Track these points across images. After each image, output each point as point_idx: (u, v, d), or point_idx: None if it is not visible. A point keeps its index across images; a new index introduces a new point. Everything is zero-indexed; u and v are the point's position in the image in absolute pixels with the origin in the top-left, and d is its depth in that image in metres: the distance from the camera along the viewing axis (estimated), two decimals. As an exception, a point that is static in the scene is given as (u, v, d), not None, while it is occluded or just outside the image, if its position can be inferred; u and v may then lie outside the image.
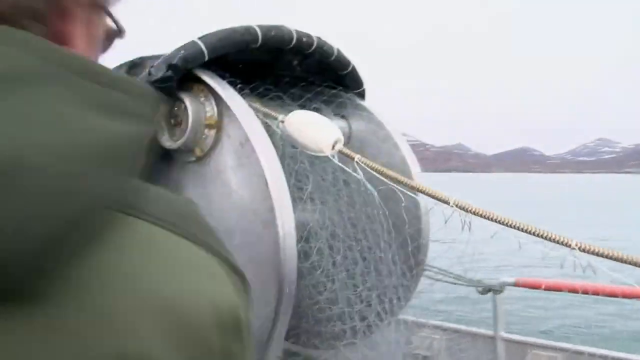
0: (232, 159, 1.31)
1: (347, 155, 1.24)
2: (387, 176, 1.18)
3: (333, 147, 1.25)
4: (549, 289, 2.89)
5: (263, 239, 1.23)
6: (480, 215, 1.06)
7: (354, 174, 1.23)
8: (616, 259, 0.94)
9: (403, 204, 1.22)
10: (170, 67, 1.27)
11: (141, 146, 0.46)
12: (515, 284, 3.10)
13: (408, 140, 1.83)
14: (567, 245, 0.96)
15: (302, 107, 1.66)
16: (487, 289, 3.18)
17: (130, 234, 0.43)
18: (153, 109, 0.48)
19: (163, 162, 1.44)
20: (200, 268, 0.46)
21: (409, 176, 1.73)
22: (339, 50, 1.68)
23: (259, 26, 1.40)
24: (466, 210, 1.08)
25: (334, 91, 1.75)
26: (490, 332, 3.37)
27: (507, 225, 1.03)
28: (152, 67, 1.28)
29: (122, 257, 0.42)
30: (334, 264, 1.37)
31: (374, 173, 1.19)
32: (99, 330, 0.40)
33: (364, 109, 1.81)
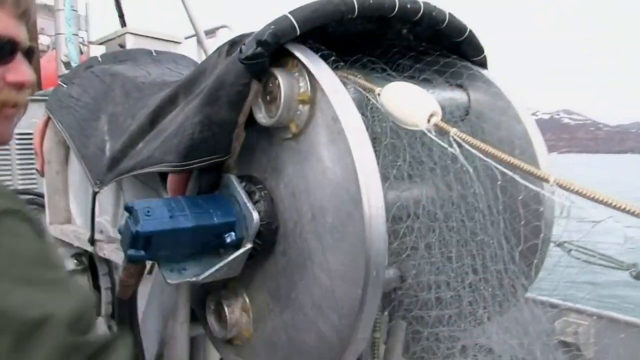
0: (325, 135, 1.27)
1: (443, 129, 1.14)
2: (484, 152, 1.07)
3: (429, 121, 1.15)
4: None
5: (354, 218, 1.19)
6: (585, 196, 0.92)
7: (450, 149, 1.13)
8: None
9: (499, 182, 1.10)
10: (260, 43, 1.25)
11: None
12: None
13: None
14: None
15: (411, 78, 1.57)
16: (642, 274, 2.85)
17: None
18: None
19: (264, 140, 1.44)
20: None
21: (531, 151, 1.58)
22: (451, 15, 1.55)
23: None
24: (569, 190, 0.94)
25: (447, 60, 1.63)
26: (646, 322, 3.04)
27: (615, 208, 0.89)
28: (243, 44, 1.28)
29: None
30: (429, 246, 1.29)
31: (470, 148, 1.08)
32: None
33: (481, 77, 1.67)
